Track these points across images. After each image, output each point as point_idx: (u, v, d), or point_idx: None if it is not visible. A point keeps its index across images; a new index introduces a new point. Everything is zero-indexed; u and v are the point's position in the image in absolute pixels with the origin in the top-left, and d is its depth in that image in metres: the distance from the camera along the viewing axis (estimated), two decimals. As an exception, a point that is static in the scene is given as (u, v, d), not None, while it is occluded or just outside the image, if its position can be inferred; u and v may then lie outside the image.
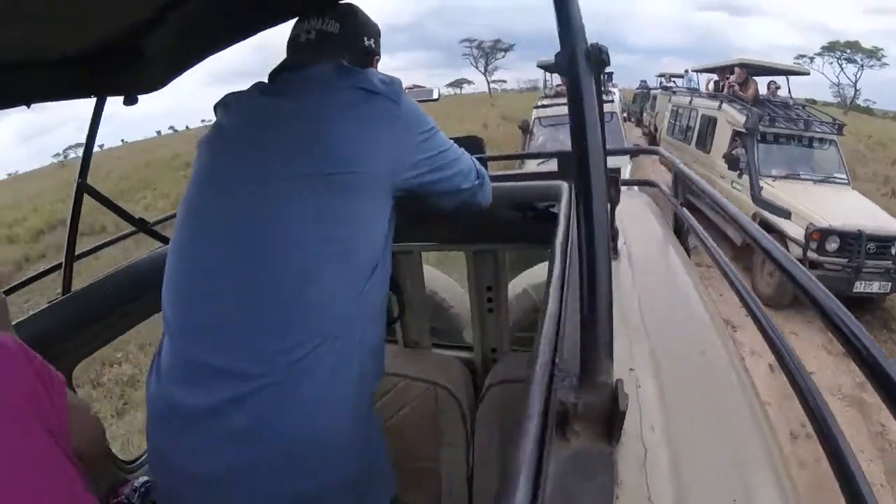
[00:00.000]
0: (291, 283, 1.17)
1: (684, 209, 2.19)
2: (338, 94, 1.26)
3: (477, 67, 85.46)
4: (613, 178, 1.81)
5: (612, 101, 10.24)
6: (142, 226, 2.30)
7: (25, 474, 0.94)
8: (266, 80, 1.41)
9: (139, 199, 20.31)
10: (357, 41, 1.46)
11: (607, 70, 9.10)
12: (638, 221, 1.93)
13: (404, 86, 1.40)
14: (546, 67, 13.44)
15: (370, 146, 1.24)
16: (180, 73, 1.91)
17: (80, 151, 2.14)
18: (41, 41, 1.45)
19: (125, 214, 2.25)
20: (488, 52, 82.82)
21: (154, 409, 1.25)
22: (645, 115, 22.95)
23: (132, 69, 1.76)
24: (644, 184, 2.99)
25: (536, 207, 2.02)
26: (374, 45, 1.51)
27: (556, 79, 13.26)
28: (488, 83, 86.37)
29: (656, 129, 18.53)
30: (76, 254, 2.01)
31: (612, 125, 9.61)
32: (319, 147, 1.21)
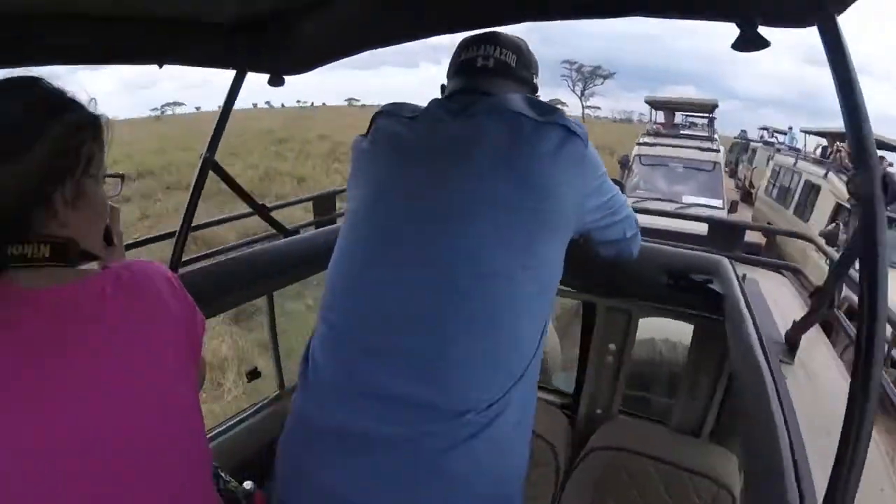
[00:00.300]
0: (503, 315, 1.16)
1: (840, 313, 1.94)
2: (538, 129, 1.22)
3: (573, 90, 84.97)
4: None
5: (717, 151, 9.97)
6: (262, 211, 2.32)
7: (180, 411, 0.98)
8: (440, 98, 1.41)
9: (228, 166, 20.52)
10: (529, 75, 1.45)
11: (710, 116, 8.92)
12: (790, 313, 1.72)
13: None
14: (652, 104, 13.18)
15: (565, 186, 1.22)
16: (330, 61, 1.88)
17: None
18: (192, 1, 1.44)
19: (247, 197, 2.27)
20: (587, 77, 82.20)
21: (306, 423, 1.25)
22: (741, 167, 22.12)
23: (283, 48, 1.72)
24: (786, 268, 2.51)
25: (693, 279, 1.94)
26: (537, 83, 1.50)
27: (660, 116, 13.09)
28: (583, 108, 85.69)
29: (752, 185, 18.01)
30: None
31: (713, 175, 9.42)
32: (522, 179, 1.18)
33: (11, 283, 0.85)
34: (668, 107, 12.94)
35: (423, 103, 1.37)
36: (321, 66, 1.89)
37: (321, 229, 2.69)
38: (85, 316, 0.87)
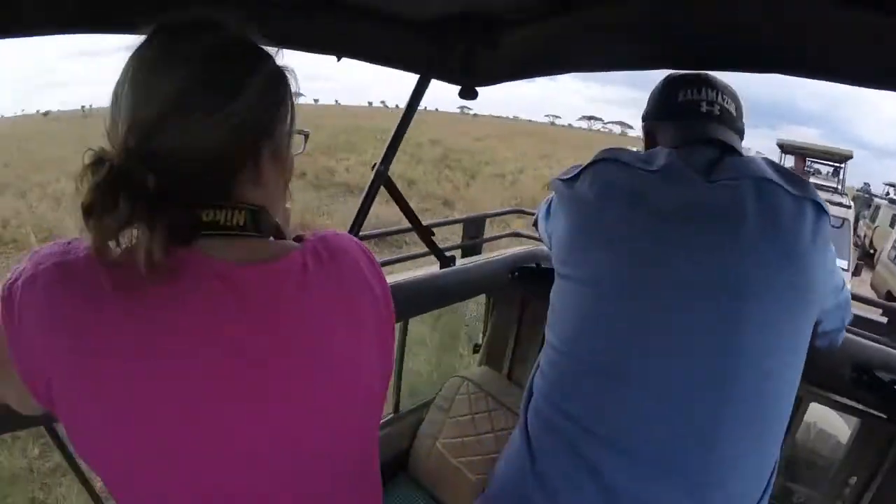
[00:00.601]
0: (772, 417, 1.08)
1: None
2: (798, 206, 1.10)
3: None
4: None
5: (847, 207, 9.28)
6: (425, 234, 2.25)
7: (369, 397, 0.89)
8: (669, 149, 1.22)
9: (341, 160, 21.50)
10: (743, 126, 1.32)
11: (838, 165, 8.11)
12: None
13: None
14: (784, 148, 12.52)
15: (819, 268, 1.10)
16: (522, 78, 1.78)
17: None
18: None
19: (413, 218, 2.20)
20: (708, 108, 79.23)
21: None
22: (861, 223, 19.50)
23: (476, 57, 1.61)
24: None
25: (878, 376, 1.75)
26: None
27: (789, 160, 12.30)
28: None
29: (871, 246, 16.76)
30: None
31: (841, 232, 8.61)
32: (787, 261, 1.07)
33: (202, 254, 0.73)
34: (801, 153, 12.24)
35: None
36: (511, 81, 1.79)
37: (476, 262, 2.60)
38: (286, 297, 0.78)
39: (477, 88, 1.81)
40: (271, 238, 0.82)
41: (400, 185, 1.88)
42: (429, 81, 1.80)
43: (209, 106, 0.72)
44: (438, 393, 2.53)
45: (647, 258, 1.13)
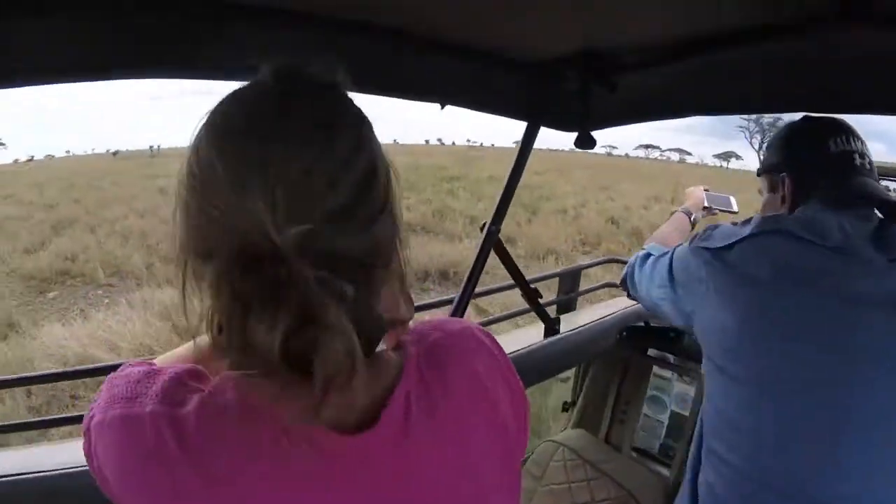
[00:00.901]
0: None
1: None
2: None
3: (751, 143, 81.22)
4: None
5: None
6: (533, 297, 2.18)
7: None
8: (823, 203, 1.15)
9: (402, 199, 21.63)
10: None
11: None
12: None
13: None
14: None
15: None
16: (637, 121, 1.69)
17: None
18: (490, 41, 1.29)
19: (522, 282, 2.12)
20: (766, 130, 77.88)
21: None
22: None
23: (592, 100, 1.47)
24: None
25: None
26: None
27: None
28: (760, 161, 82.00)
29: None
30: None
31: None
32: None
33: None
34: (872, 172, 11.87)
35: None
36: (626, 124, 1.69)
37: (581, 329, 2.50)
38: (389, 458, 0.60)
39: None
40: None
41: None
42: (538, 129, 1.71)
43: (381, 196, 0.57)
44: (529, 457, 2.38)
45: (839, 353, 1.01)
